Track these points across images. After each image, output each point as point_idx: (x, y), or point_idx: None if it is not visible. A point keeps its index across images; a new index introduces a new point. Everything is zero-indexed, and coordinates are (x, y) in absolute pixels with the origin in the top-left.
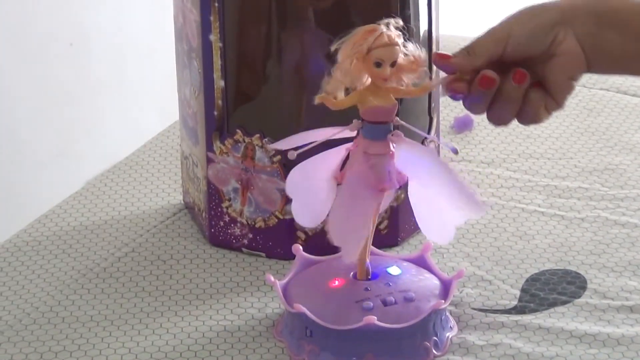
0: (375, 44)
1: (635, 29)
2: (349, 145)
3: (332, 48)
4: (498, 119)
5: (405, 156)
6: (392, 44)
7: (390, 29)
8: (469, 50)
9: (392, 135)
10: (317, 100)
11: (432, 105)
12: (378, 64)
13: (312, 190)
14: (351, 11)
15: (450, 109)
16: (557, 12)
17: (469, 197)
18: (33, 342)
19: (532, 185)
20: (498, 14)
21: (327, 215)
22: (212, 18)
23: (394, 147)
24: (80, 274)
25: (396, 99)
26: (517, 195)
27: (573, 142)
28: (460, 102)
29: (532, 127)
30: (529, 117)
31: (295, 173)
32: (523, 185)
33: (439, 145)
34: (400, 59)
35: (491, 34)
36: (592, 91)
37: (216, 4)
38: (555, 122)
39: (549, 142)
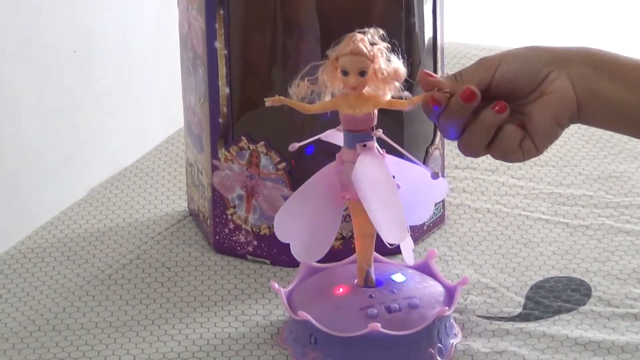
0: (342, 51)
1: (630, 81)
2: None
3: (327, 53)
4: (468, 147)
5: (358, 169)
6: (355, 53)
7: (366, 38)
8: (457, 75)
9: (363, 146)
10: (267, 102)
11: None
12: (344, 72)
13: (311, 225)
14: (357, 19)
15: None
16: (552, 53)
17: (393, 222)
18: (38, 349)
19: (537, 193)
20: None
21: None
22: (217, 25)
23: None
24: (85, 281)
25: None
26: (521, 203)
27: (577, 149)
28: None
29: None
30: (500, 150)
31: (283, 216)
32: (527, 192)
33: (443, 153)
34: (376, 69)
35: (481, 62)
36: None
37: (221, 12)
38: None
39: (553, 149)
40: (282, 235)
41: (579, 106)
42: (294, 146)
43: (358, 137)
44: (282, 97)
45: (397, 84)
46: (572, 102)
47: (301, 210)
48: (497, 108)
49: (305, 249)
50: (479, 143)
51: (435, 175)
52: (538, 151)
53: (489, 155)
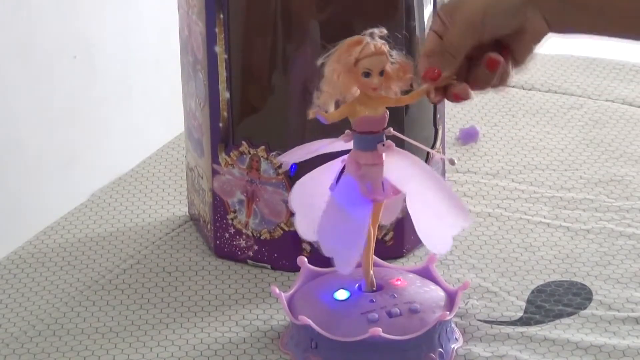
0: (363, 54)
1: (596, 7)
2: (345, 156)
3: (318, 62)
4: (469, 94)
5: (394, 166)
6: (379, 52)
7: (375, 38)
8: (447, 50)
9: (383, 145)
10: (310, 115)
11: (438, 116)
12: (366, 74)
13: (313, 204)
14: (355, 23)
15: (455, 120)
16: None
17: (458, 206)
18: (38, 355)
19: (538, 197)
20: None
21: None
22: (217, 30)
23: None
24: (85, 286)
25: (396, 108)
26: (522, 207)
27: (578, 153)
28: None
29: (537, 139)
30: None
31: (296, 188)
32: (529, 196)
33: (443, 158)
34: (388, 67)
35: (465, 23)
36: (597, 103)
37: (221, 16)
38: (561, 134)
39: (554, 153)
40: (291, 204)
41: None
42: (286, 164)
43: (376, 138)
44: (316, 109)
45: (410, 76)
46: (546, 34)
47: (334, 226)
48: (490, 65)
49: (348, 260)
50: (479, 89)
51: (451, 162)
52: (520, 64)
53: (489, 159)
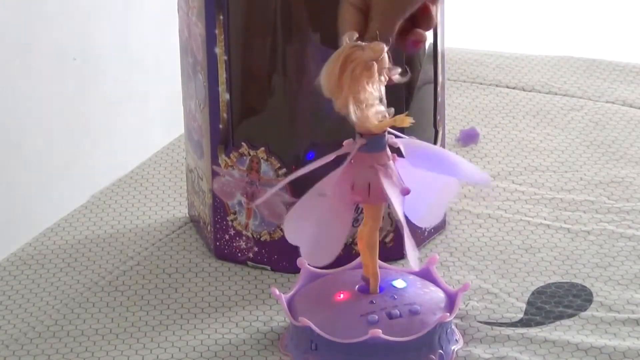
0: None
1: None
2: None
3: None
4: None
5: (406, 148)
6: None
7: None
8: (382, 38)
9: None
10: (403, 122)
11: (438, 118)
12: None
13: (320, 228)
14: None
15: (456, 122)
16: None
17: (476, 170)
18: (38, 356)
19: (538, 199)
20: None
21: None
22: (217, 31)
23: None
24: (86, 287)
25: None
26: (522, 208)
27: (579, 155)
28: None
29: (537, 141)
30: None
31: (292, 219)
32: (529, 198)
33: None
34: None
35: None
36: (597, 104)
37: (221, 17)
38: (561, 135)
39: (554, 155)
40: (291, 238)
41: None
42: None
43: (384, 136)
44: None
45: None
46: None
47: (310, 214)
48: (412, 44)
49: (314, 252)
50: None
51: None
52: None
53: (489, 161)
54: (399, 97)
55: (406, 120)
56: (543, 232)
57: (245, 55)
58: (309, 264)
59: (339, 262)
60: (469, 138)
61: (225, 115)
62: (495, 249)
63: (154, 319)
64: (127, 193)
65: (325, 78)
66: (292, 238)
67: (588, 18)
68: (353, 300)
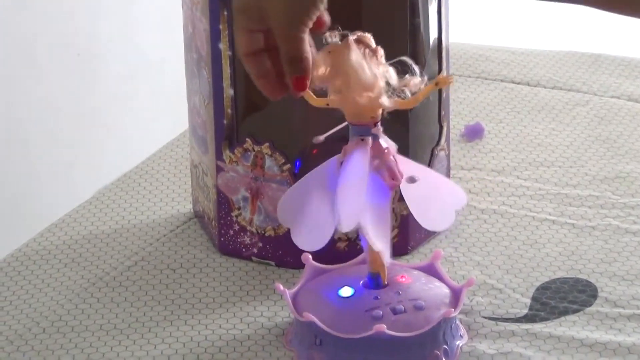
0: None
1: None
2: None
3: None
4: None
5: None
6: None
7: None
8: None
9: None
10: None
11: (443, 113)
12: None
13: (312, 212)
14: (361, 20)
15: (461, 117)
16: None
17: (453, 185)
18: (42, 352)
19: (543, 194)
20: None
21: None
22: (221, 27)
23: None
24: (90, 283)
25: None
26: (527, 204)
27: (584, 150)
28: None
29: (542, 136)
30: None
31: (286, 201)
32: (534, 193)
33: (449, 154)
34: None
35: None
36: (602, 99)
37: (225, 13)
38: (566, 131)
39: (559, 150)
40: (283, 219)
41: None
42: (318, 139)
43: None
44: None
45: None
46: None
47: (304, 197)
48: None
49: (305, 235)
50: None
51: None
52: None
53: (494, 156)
54: None
55: (447, 80)
56: (548, 228)
57: None
58: (299, 248)
59: (343, 257)
60: (474, 133)
61: (229, 110)
62: (500, 244)
63: (158, 315)
64: (132, 189)
65: (357, 74)
66: (284, 220)
67: (593, 13)
68: (357, 295)
